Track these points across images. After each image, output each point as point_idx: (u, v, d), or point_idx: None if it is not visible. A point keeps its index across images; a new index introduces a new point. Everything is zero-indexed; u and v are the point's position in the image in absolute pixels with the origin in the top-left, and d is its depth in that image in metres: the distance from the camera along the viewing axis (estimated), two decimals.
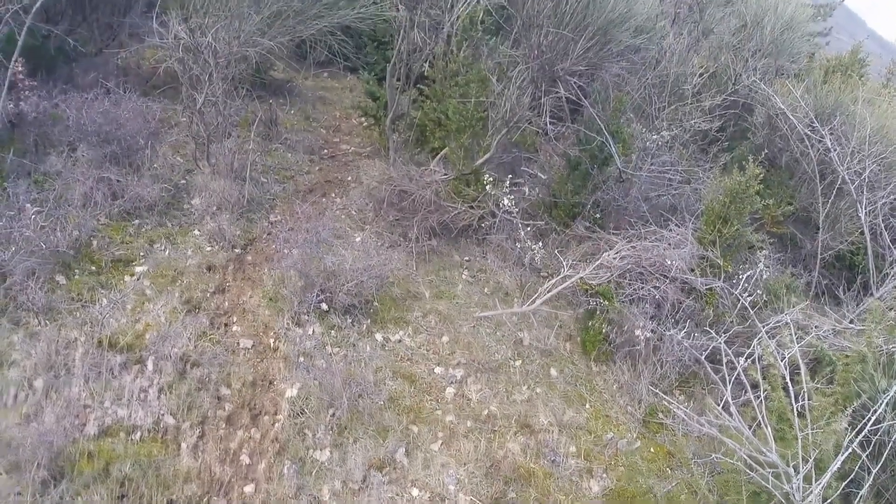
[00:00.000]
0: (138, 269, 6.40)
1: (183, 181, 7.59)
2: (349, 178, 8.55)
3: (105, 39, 9.08)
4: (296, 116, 9.67)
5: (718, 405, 5.28)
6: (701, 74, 9.41)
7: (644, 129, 8.44)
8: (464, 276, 7.58)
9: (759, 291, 7.33)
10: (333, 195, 8.20)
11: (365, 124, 9.49)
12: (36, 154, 7.05)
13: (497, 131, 7.61)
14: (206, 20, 7.37)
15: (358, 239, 7.35)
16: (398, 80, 8.28)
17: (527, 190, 7.81)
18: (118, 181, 6.95)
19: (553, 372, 6.86)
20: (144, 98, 8.12)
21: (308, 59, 10.30)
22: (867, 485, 4.49)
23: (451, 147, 7.71)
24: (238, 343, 6.06)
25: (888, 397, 4.63)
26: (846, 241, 9.39)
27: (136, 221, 6.91)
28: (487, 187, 7.43)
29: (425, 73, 8.31)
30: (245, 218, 7.44)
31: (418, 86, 8.49)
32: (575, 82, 8.23)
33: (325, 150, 9.09)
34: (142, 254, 6.57)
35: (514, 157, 8.30)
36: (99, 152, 7.13)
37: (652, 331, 6.91)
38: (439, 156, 7.87)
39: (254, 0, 7.64)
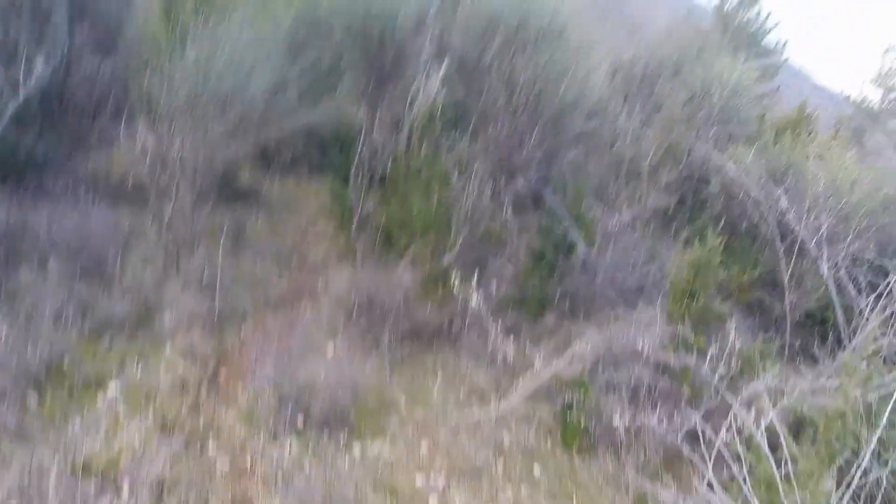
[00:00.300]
0: (111, 388, 6.30)
1: (154, 295, 7.48)
2: (319, 286, 8.51)
3: (74, 145, 9.08)
4: (264, 224, 9.64)
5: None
6: (656, 151, 9.56)
7: (605, 211, 8.51)
8: (438, 380, 7.53)
9: (732, 362, 7.31)
10: (304, 304, 8.14)
11: (332, 229, 9.48)
12: (6, 267, 6.95)
13: (461, 228, 7.63)
14: (172, 127, 7.40)
15: (330, 349, 7.29)
16: (362, 181, 8.32)
17: (495, 286, 7.79)
18: (89, 297, 6.85)
19: (536, 470, 6.77)
20: (114, 208, 8.09)
21: (274, 164, 10.33)
22: None
23: (417, 247, 7.71)
24: (215, 464, 5.92)
25: (870, 448, 4.63)
26: (813, 298, 9.43)
27: (108, 338, 6.83)
28: (455, 287, 7.40)
29: (389, 173, 8.36)
30: (217, 332, 7.36)
31: (382, 186, 8.52)
32: (533, 172, 8.29)
33: (294, 258, 9.05)
34: (114, 372, 6.48)
35: (480, 253, 8.31)
36: (69, 266, 7.06)
37: (631, 417, 6.83)
38: (406, 257, 7.85)
39: (219, 106, 7.65)
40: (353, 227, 8.32)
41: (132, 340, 6.90)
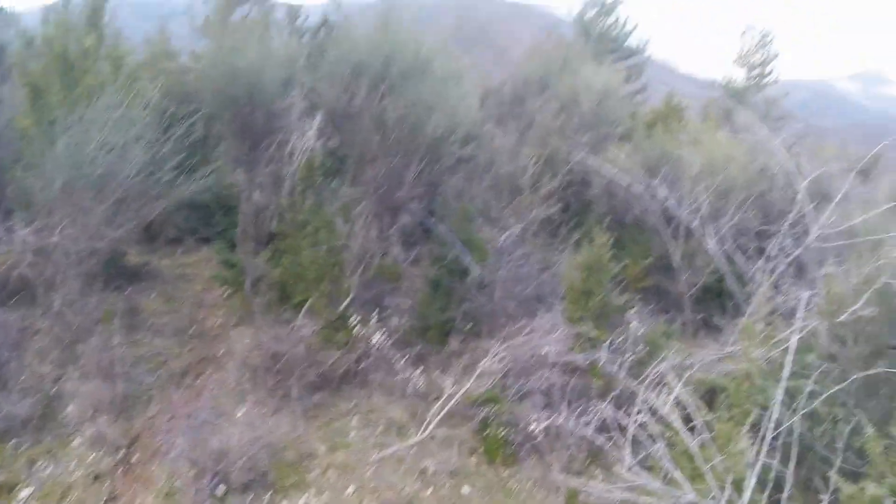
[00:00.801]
0: (23, 492, 6.14)
1: (54, 390, 7.32)
2: (221, 352, 8.46)
3: None
4: (157, 299, 9.52)
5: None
6: (535, 164, 9.83)
7: (494, 230, 8.71)
8: (354, 422, 7.54)
9: (639, 347, 7.54)
10: (209, 373, 8.09)
11: (227, 293, 9.44)
12: None
13: (354, 271, 7.73)
14: (51, 219, 7.32)
15: (241, 412, 7.25)
16: (250, 242, 8.35)
17: (396, 320, 7.88)
18: None
19: (465, 490, 6.86)
20: (1, 308, 7.89)
21: (160, 238, 10.27)
22: (788, 485, 4.61)
23: (313, 297, 7.76)
24: None
25: (778, 400, 4.87)
26: (706, 273, 9.78)
27: (13, 441, 6.64)
28: (356, 329, 7.48)
29: (275, 230, 8.41)
30: (124, 415, 7.22)
31: (271, 243, 8.56)
32: (417, 204, 8.45)
33: (193, 328, 8.98)
34: (24, 476, 6.31)
35: (377, 292, 8.41)
36: None
37: (548, 420, 6.97)
38: (304, 309, 7.88)
39: (95, 190, 7.61)
40: (248, 288, 8.32)
41: (38, 441, 6.72)
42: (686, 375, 6.30)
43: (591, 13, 23.52)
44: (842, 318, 5.27)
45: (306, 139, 8.39)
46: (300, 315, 7.77)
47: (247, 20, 12.80)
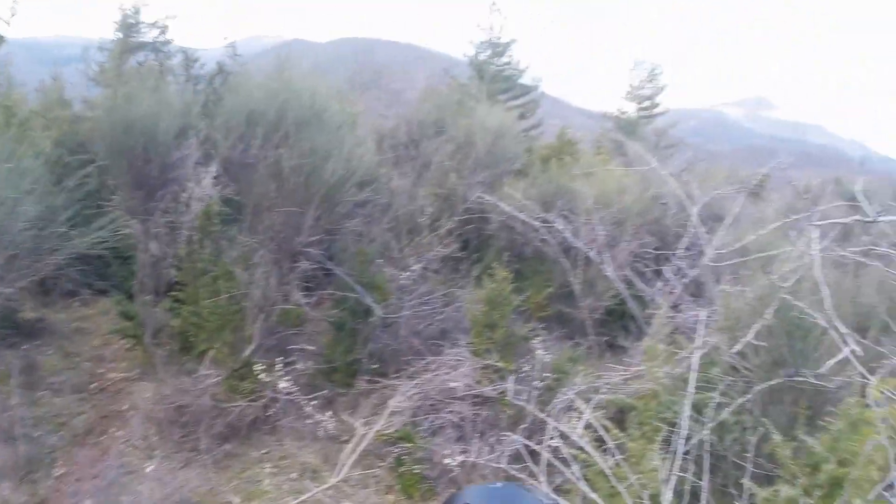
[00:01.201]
0: None
1: None
2: (125, 407, 8.27)
3: None
4: (55, 355, 9.24)
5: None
6: (432, 204, 10.01)
7: (395, 270, 8.81)
8: (267, 470, 7.48)
9: (546, 374, 7.71)
10: (113, 430, 7.90)
11: (127, 346, 9.23)
12: None
13: (255, 319, 7.71)
14: None
15: (149, 468, 7.10)
16: (148, 293, 8.22)
17: (301, 365, 7.87)
18: None
19: None
20: None
21: (55, 292, 9.98)
22: (704, 495, 4.76)
23: (216, 347, 7.69)
24: None
25: (685, 414, 4.99)
26: (607, 298, 10.08)
27: None
28: (262, 376, 7.43)
29: (174, 279, 8.31)
30: (28, 480, 6.97)
31: (170, 293, 8.44)
32: (317, 249, 8.48)
33: (94, 384, 8.74)
34: None
35: (280, 337, 8.40)
36: None
37: (461, 452, 7.04)
38: (207, 358, 7.80)
39: None
40: (148, 340, 8.18)
41: None
42: (595, 398, 6.49)
43: (484, 54, 24.14)
44: (739, 344, 5.47)
45: (203, 188, 8.37)
46: (203, 365, 7.68)
47: (142, 68, 12.70)
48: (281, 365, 7.51)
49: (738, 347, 5.36)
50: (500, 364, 7.69)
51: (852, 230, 9.25)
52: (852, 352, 4.28)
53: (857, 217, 3.76)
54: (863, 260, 6.49)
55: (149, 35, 13.73)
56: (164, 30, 13.76)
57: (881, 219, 3.53)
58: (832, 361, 4.42)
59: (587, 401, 5.91)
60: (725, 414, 5.24)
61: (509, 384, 7.41)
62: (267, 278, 7.73)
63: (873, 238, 6.29)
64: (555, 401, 6.85)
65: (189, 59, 12.22)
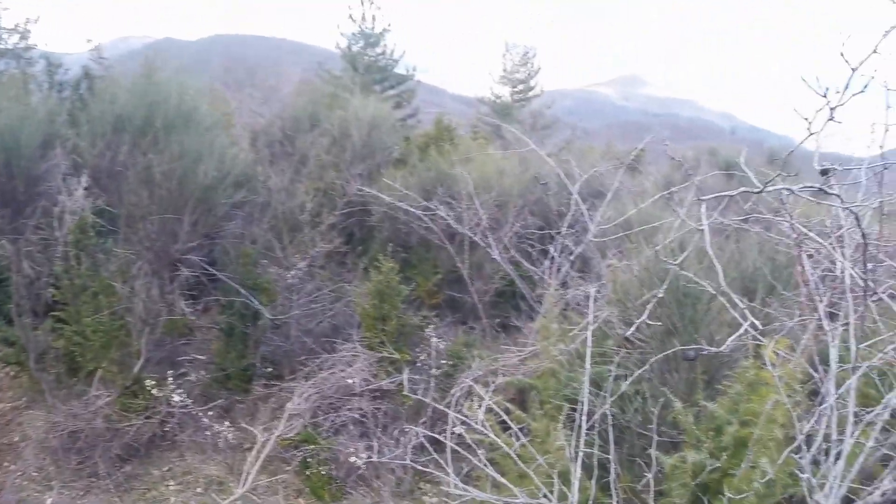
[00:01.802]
0: None
1: None
2: (16, 439, 7.88)
3: None
4: None
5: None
6: (312, 200, 9.95)
7: (280, 269, 8.71)
8: (172, 487, 7.31)
9: (443, 362, 7.81)
10: (6, 464, 7.52)
11: (12, 374, 8.81)
12: None
13: (141, 332, 7.51)
14: None
15: (49, 501, 6.83)
16: (27, 316, 7.86)
17: (194, 375, 7.71)
18: None
19: None
20: None
21: None
22: (613, 468, 4.81)
23: (103, 366, 7.45)
24: None
25: (585, 390, 4.98)
26: (497, 280, 10.27)
27: None
28: (154, 391, 7.24)
29: (53, 299, 7.98)
30: None
31: (50, 314, 8.09)
32: (197, 255, 8.32)
33: None
34: None
35: (169, 350, 8.21)
36: None
37: (366, 449, 7.06)
38: (96, 379, 7.54)
39: None
40: (33, 365, 7.83)
41: None
42: (494, 381, 6.61)
43: (357, 45, 24.12)
44: (633, 326, 5.63)
45: (75, 200, 8.05)
46: (93, 386, 7.43)
47: (2, 76, 12.05)
48: (173, 378, 7.34)
49: (632, 330, 5.53)
50: (395, 356, 7.75)
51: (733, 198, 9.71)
52: (749, 323, 4.49)
53: (745, 189, 3.95)
54: (744, 227, 6.83)
55: (9, 41, 13.01)
56: (25, 35, 13.06)
57: (769, 189, 3.74)
58: (731, 339, 4.63)
59: (486, 385, 6.02)
60: (625, 386, 5.39)
61: (405, 375, 7.47)
62: (148, 289, 7.53)
63: (752, 205, 6.61)
64: (454, 388, 6.95)
65: (52, 64, 11.66)
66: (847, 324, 4.45)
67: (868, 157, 3.89)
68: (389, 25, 23.44)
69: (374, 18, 23.71)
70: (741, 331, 4.39)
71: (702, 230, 4.37)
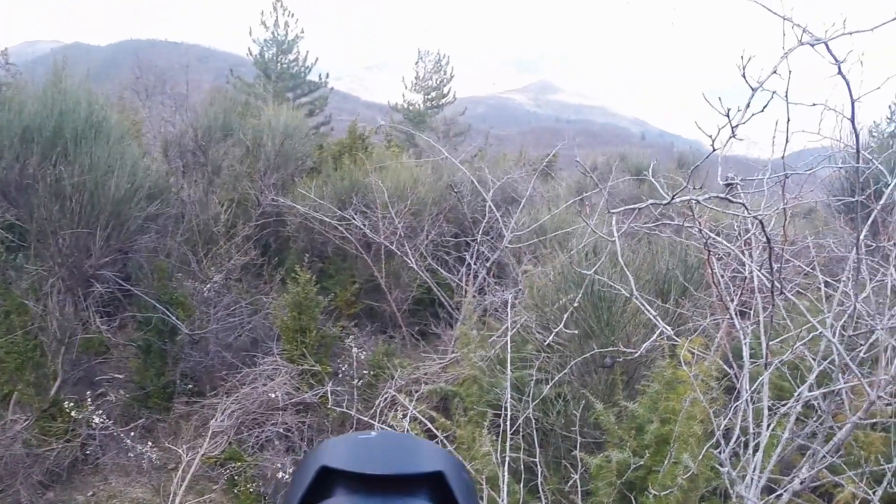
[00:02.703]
0: None
1: None
2: None
3: None
4: None
5: None
6: (226, 211, 9.94)
7: (195, 283, 8.70)
8: None
9: (364, 372, 7.94)
10: None
11: None
12: None
13: (57, 352, 7.40)
14: None
15: None
16: None
17: (112, 396, 7.63)
18: None
19: None
20: None
21: None
22: (540, 471, 5.07)
23: (18, 389, 7.31)
24: None
25: (507, 395, 5.18)
26: (414, 288, 10.45)
27: None
28: (74, 413, 7.15)
29: None
30: None
31: None
32: (110, 270, 8.24)
33: None
34: None
35: (87, 369, 8.09)
36: None
37: (293, 463, 7.12)
38: (11, 402, 7.39)
39: None
40: None
41: None
42: (417, 390, 6.76)
43: (270, 52, 23.98)
44: (552, 334, 5.82)
45: None
46: (9, 410, 7.28)
47: None
48: (91, 398, 7.26)
49: (552, 337, 5.75)
50: (316, 368, 7.84)
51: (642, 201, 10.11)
52: (663, 326, 4.75)
53: (654, 201, 4.20)
54: (655, 232, 7.16)
55: None
56: None
57: (676, 200, 4.00)
58: (646, 345, 4.89)
59: (410, 394, 6.17)
60: (546, 390, 5.59)
61: (329, 388, 7.57)
62: (62, 307, 7.42)
63: (663, 210, 6.95)
64: (378, 398, 7.07)
65: None
66: (757, 322, 4.77)
67: (771, 160, 4.17)
68: (302, 32, 23.42)
69: (286, 25, 23.63)
70: (656, 335, 4.67)
71: (614, 241, 4.64)
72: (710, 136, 3.65)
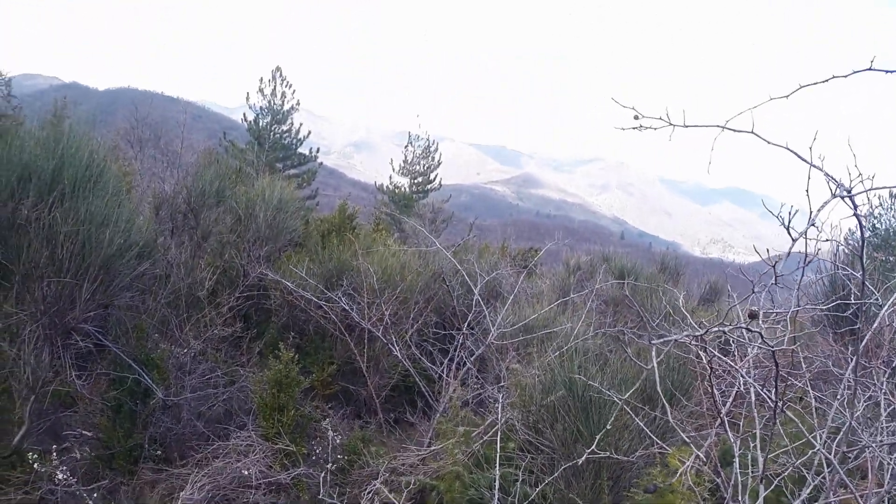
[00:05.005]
0: None
1: None
2: None
3: None
4: None
5: None
6: (212, 277, 10.07)
7: (174, 347, 8.76)
8: None
9: (339, 456, 7.98)
10: None
11: None
12: None
13: (26, 400, 7.40)
14: None
15: None
16: None
17: (78, 452, 7.60)
18: None
19: None
20: None
21: None
22: None
23: None
24: None
25: (496, 491, 5.26)
26: (394, 375, 10.55)
27: None
28: (35, 465, 7.11)
29: None
30: None
31: None
32: (91, 324, 8.30)
33: None
34: None
35: (55, 420, 8.06)
36: None
37: None
38: None
39: None
40: None
41: None
42: (393, 480, 6.82)
43: (265, 120, 24.44)
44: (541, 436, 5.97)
45: None
46: None
47: None
48: (56, 452, 7.22)
49: (534, 419, 5.89)
50: (291, 448, 7.87)
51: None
52: (652, 436, 4.93)
53: (688, 333, 4.44)
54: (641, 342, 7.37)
55: None
56: None
57: (712, 331, 4.26)
58: (638, 453, 5.06)
59: (387, 483, 6.23)
60: (534, 493, 5.68)
61: (302, 469, 7.60)
62: (38, 355, 7.46)
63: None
64: (350, 484, 7.11)
65: None
66: (747, 433, 4.96)
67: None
68: (298, 104, 23.94)
69: (283, 95, 24.15)
70: (643, 447, 4.83)
71: (649, 368, 4.83)
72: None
